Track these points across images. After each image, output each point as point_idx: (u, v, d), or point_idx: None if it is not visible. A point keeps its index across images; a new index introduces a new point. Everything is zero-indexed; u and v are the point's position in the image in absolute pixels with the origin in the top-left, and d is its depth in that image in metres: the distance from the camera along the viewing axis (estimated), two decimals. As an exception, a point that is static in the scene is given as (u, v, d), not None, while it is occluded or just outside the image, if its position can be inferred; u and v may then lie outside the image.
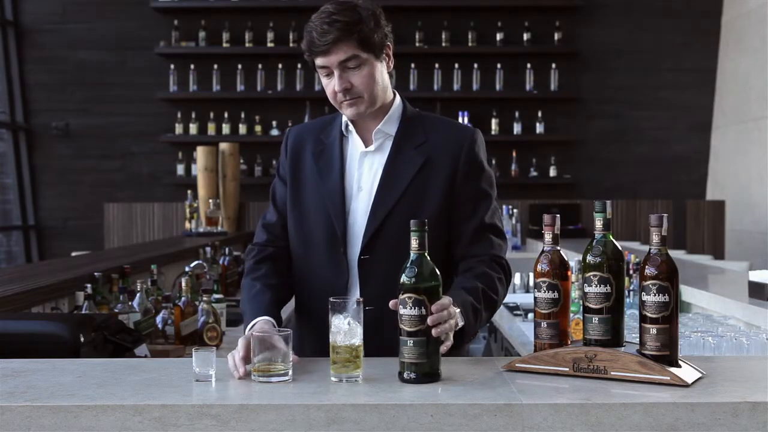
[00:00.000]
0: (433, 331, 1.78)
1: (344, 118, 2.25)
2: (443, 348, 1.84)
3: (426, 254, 1.79)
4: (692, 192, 8.19)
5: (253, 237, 2.40)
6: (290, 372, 1.80)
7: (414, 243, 1.79)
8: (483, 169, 2.25)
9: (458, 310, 1.94)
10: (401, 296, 1.77)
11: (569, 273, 1.88)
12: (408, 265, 1.78)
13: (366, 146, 2.25)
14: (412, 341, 1.75)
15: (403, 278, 1.77)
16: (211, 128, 8.07)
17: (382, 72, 2.19)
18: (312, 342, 2.23)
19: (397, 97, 2.28)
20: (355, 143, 2.26)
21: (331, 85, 2.15)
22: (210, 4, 8.12)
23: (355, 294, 2.18)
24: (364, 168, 2.24)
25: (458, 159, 2.21)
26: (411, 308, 1.75)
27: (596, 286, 1.81)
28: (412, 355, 1.76)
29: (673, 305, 1.75)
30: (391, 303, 1.81)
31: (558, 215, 1.91)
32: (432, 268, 1.78)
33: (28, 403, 1.62)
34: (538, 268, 1.87)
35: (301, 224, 2.25)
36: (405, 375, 1.77)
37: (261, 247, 2.31)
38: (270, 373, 1.79)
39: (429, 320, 1.77)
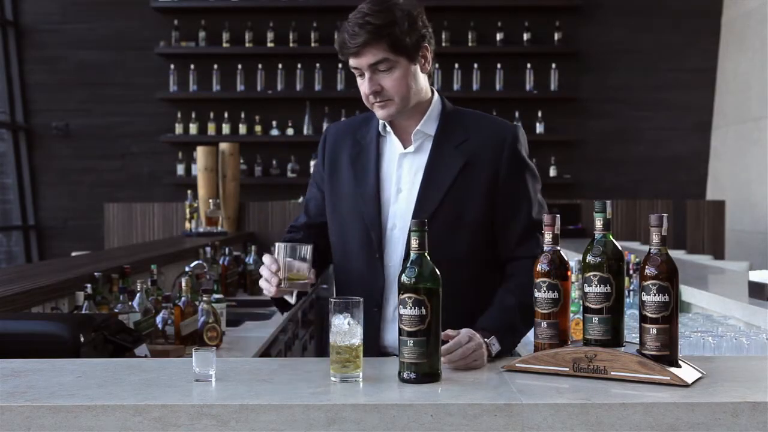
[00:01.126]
0: (451, 366, 1.87)
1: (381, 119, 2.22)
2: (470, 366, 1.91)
3: (426, 254, 1.79)
4: (692, 192, 8.19)
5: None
6: (309, 285, 1.99)
7: (414, 243, 1.79)
8: (527, 166, 2.21)
9: (490, 337, 1.99)
10: (401, 296, 1.77)
11: (569, 273, 1.88)
12: (408, 265, 1.78)
13: (405, 147, 2.21)
14: (411, 341, 1.76)
15: (403, 278, 1.77)
16: (211, 128, 8.07)
17: (416, 74, 2.14)
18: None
19: (435, 94, 2.24)
20: (393, 144, 2.22)
21: (363, 86, 2.13)
22: (210, 4, 8.12)
23: (393, 297, 2.13)
24: (404, 169, 2.20)
25: (501, 156, 2.17)
26: (411, 308, 1.76)
27: (596, 286, 1.81)
28: (412, 355, 1.76)
29: (673, 305, 1.75)
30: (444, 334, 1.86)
31: (558, 215, 1.91)
32: (432, 268, 1.78)
33: (28, 403, 1.62)
34: (538, 268, 1.87)
35: (340, 232, 2.25)
36: (405, 375, 1.77)
37: (290, 234, 2.35)
38: (293, 280, 1.95)
39: (445, 360, 1.84)
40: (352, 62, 2.11)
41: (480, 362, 1.92)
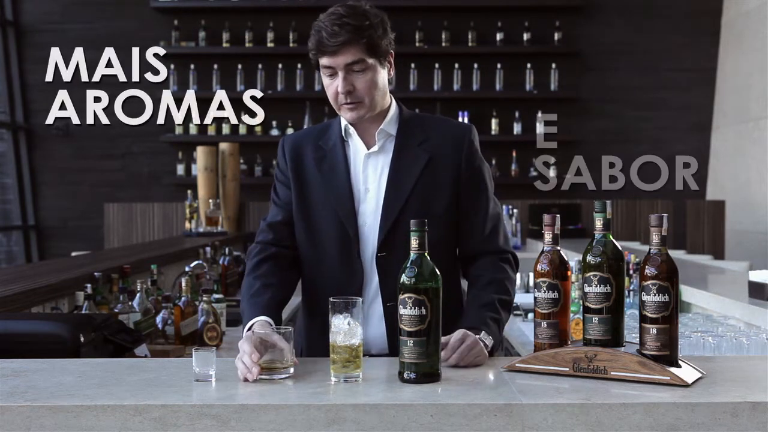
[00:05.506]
0: (454, 360, 1.90)
1: (343, 123, 2.28)
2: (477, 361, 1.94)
3: (426, 254, 1.79)
4: (692, 192, 8.18)
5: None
6: (291, 369, 1.81)
7: (414, 243, 1.79)
8: (483, 163, 2.32)
9: (481, 332, 2.03)
10: (401, 296, 1.77)
11: (569, 273, 1.88)
12: (408, 265, 1.78)
13: (368, 148, 2.27)
14: (412, 341, 1.76)
15: (403, 278, 1.77)
16: (211, 128, 8.07)
17: (384, 78, 2.22)
18: (324, 343, 2.23)
19: (393, 100, 2.32)
20: (356, 146, 2.28)
21: (333, 85, 2.18)
22: (210, 4, 8.12)
23: (369, 293, 2.20)
24: (369, 169, 2.26)
25: (461, 154, 2.26)
26: (411, 308, 1.76)
27: (596, 286, 1.81)
28: (412, 355, 1.76)
29: (673, 305, 1.75)
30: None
31: (558, 215, 1.91)
32: (432, 268, 1.78)
33: (28, 403, 1.62)
34: (538, 268, 1.87)
35: (310, 229, 2.27)
36: (405, 375, 1.77)
37: (264, 246, 2.30)
38: (273, 371, 1.79)
39: (452, 360, 1.89)
40: (327, 61, 2.16)
41: (482, 357, 1.96)
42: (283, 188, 2.33)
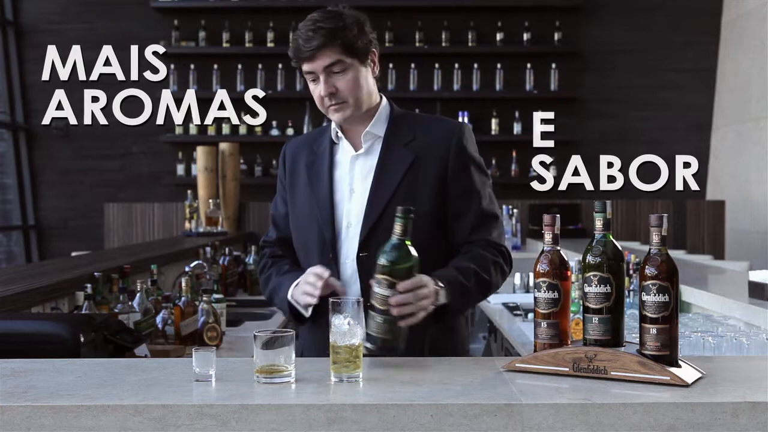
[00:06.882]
0: (395, 311, 1.93)
1: (333, 126, 2.31)
2: (404, 323, 1.97)
3: (407, 241, 1.90)
4: (692, 192, 8.17)
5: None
6: (293, 373, 1.81)
7: (397, 228, 1.91)
8: (474, 160, 2.30)
9: (442, 287, 2.07)
10: (377, 276, 1.90)
11: (569, 273, 1.88)
12: (388, 249, 1.89)
13: (356, 150, 2.29)
14: (380, 317, 1.90)
15: (382, 260, 1.90)
16: (211, 128, 8.07)
17: (367, 77, 2.24)
18: (310, 343, 2.28)
19: (384, 99, 2.33)
20: (345, 149, 2.31)
21: (317, 90, 2.21)
22: (210, 4, 8.12)
23: (350, 294, 2.22)
24: (356, 171, 2.28)
25: (448, 153, 2.25)
26: (383, 288, 1.90)
27: (596, 286, 1.81)
28: (380, 330, 1.91)
29: (673, 305, 1.75)
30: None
31: (558, 215, 1.91)
32: (409, 254, 1.91)
33: (28, 403, 1.62)
34: (538, 268, 1.87)
35: (300, 236, 2.33)
36: (367, 345, 1.89)
37: (272, 251, 2.42)
38: (273, 374, 1.79)
39: (392, 301, 1.92)
40: (307, 67, 2.20)
41: (420, 316, 1.99)
42: (281, 205, 2.41)
